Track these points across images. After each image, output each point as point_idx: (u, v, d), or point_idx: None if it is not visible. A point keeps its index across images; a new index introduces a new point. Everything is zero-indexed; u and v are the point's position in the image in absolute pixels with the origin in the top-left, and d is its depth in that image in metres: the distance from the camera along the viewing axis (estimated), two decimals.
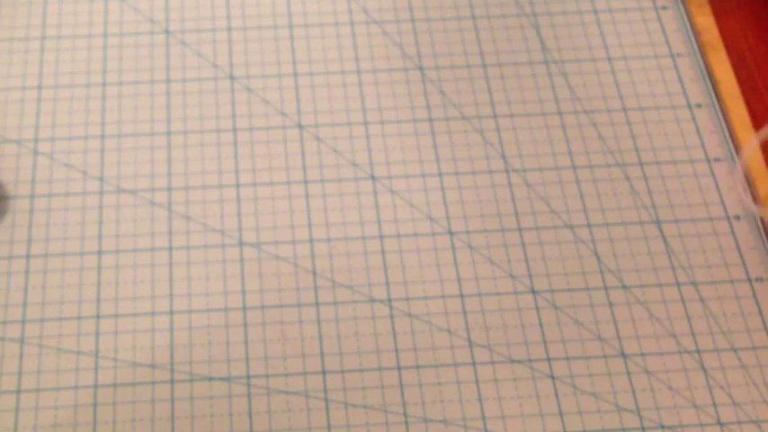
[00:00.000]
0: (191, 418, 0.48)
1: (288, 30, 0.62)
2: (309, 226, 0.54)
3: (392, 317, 0.51)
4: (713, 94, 0.59)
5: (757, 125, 0.58)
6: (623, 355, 0.50)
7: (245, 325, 0.51)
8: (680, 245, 0.54)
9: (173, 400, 0.49)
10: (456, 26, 0.62)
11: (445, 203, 0.55)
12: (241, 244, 0.54)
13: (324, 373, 0.50)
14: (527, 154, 0.57)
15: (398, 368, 0.50)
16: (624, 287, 0.52)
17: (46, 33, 0.61)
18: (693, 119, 0.58)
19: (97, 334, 0.51)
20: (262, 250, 0.53)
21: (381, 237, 0.54)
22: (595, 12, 0.63)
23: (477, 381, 0.50)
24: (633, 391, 0.49)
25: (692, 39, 0.62)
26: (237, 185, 0.56)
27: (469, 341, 0.51)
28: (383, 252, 0.53)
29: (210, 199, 0.55)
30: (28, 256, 0.53)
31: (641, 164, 0.57)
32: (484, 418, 0.49)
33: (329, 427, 0.48)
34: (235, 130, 0.58)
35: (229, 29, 0.62)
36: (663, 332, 0.51)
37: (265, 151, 0.57)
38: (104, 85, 0.59)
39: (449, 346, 0.51)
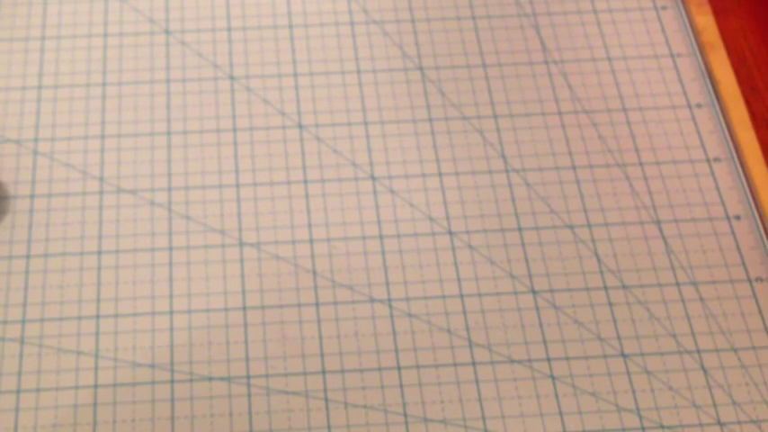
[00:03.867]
0: (191, 418, 0.48)
1: (288, 30, 0.62)
2: (309, 226, 0.54)
3: (392, 317, 0.51)
4: (713, 94, 0.59)
5: (757, 125, 0.58)
6: (623, 355, 0.50)
7: (245, 325, 0.51)
8: (680, 245, 0.54)
9: (173, 400, 0.49)
10: (456, 26, 0.62)
11: (445, 203, 0.55)
12: (241, 244, 0.54)
13: (324, 373, 0.50)
14: (527, 154, 0.57)
15: (398, 368, 0.50)
16: (624, 287, 0.52)
17: (46, 33, 0.61)
18: (693, 119, 0.58)
19: (97, 334, 0.51)
20: (262, 250, 0.53)
21: (381, 237, 0.54)
22: (595, 12, 0.63)
23: (477, 381, 0.50)
24: (633, 391, 0.49)
25: (692, 39, 0.62)
26: (237, 185, 0.56)
27: (469, 341, 0.51)
28: (383, 252, 0.53)
29: (210, 199, 0.55)
30: (28, 256, 0.53)
31: (641, 164, 0.57)
32: (484, 418, 0.49)
33: (329, 427, 0.48)
34: (235, 130, 0.58)
35: (229, 29, 0.62)
36: (663, 332, 0.51)
37: (265, 151, 0.57)
38: (104, 85, 0.59)
39: (449, 346, 0.51)
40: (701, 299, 0.52)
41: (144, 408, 0.49)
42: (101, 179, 0.56)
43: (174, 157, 0.57)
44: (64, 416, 0.48)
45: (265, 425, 0.48)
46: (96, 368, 0.50)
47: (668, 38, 0.62)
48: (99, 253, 0.53)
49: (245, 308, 0.52)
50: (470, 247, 0.54)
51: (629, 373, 0.50)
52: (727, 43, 0.61)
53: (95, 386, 0.49)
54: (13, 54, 0.60)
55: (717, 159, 0.57)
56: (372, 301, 0.52)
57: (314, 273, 0.53)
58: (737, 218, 0.55)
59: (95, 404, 0.49)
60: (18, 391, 0.49)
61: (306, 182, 0.56)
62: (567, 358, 0.50)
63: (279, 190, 0.56)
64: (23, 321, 0.51)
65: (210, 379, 0.49)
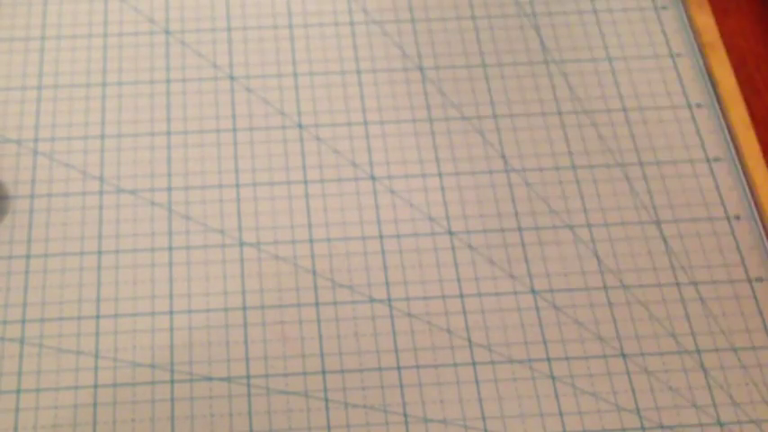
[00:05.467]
0: (191, 418, 0.48)
1: (288, 30, 0.62)
2: (309, 226, 0.54)
3: (392, 317, 0.51)
4: (713, 94, 0.59)
5: (757, 125, 0.58)
6: (623, 355, 0.50)
7: (245, 325, 0.51)
8: (680, 245, 0.54)
9: (173, 400, 0.49)
10: (456, 26, 0.62)
11: (445, 203, 0.55)
12: (241, 244, 0.54)
13: (324, 373, 0.50)
14: (527, 154, 0.57)
15: (398, 368, 0.50)
16: (624, 287, 0.52)
17: (46, 33, 0.61)
18: (693, 119, 0.58)
19: (97, 334, 0.51)
20: (262, 250, 0.53)
21: (381, 237, 0.54)
22: (595, 12, 0.63)
23: (476, 381, 0.50)
24: (633, 391, 0.49)
25: (692, 39, 0.62)
26: (237, 185, 0.56)
27: (469, 341, 0.51)
28: (383, 252, 0.53)
29: (210, 199, 0.55)
30: (28, 256, 0.53)
31: (641, 164, 0.57)
32: (484, 418, 0.49)
33: (329, 427, 0.48)
34: (235, 130, 0.58)
35: (229, 29, 0.62)
36: (663, 332, 0.51)
37: (265, 151, 0.57)
38: (104, 85, 0.59)
39: (449, 346, 0.51)
40: (701, 299, 0.52)
41: (144, 408, 0.49)
42: (101, 179, 0.56)
43: (174, 157, 0.57)
44: (64, 416, 0.48)
45: (265, 425, 0.48)
46: (96, 368, 0.50)
47: (668, 38, 0.62)
48: (99, 253, 0.53)
49: (245, 308, 0.52)
50: (470, 247, 0.54)
51: (629, 373, 0.50)
52: (727, 43, 0.61)
53: (95, 386, 0.49)
54: (13, 54, 0.60)
55: (717, 159, 0.57)
56: (372, 301, 0.52)
57: (314, 273, 0.53)
58: (737, 218, 0.55)
59: (95, 404, 0.49)
60: (18, 391, 0.49)
61: (306, 182, 0.56)
62: (567, 358, 0.50)
63: (279, 190, 0.56)
64: (23, 321, 0.51)
65: (210, 379, 0.49)
